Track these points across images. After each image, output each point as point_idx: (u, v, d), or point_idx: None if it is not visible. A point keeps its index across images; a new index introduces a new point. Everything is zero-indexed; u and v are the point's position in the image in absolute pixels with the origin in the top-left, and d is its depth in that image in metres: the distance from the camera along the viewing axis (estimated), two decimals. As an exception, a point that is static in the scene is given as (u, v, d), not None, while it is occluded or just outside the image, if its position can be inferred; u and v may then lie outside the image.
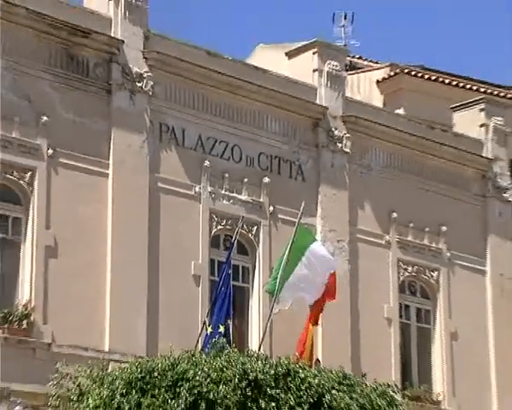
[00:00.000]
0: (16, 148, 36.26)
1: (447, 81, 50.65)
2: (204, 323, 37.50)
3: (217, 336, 35.04)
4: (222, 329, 36.58)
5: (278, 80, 43.12)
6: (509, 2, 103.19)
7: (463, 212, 47.19)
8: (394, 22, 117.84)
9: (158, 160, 39.71)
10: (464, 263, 46.97)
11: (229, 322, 37.81)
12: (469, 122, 47.96)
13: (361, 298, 44.11)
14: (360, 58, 50.77)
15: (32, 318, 35.72)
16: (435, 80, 50.26)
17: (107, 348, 36.84)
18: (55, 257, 36.57)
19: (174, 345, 32.80)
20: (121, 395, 27.53)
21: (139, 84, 39.03)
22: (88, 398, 28.53)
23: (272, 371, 27.57)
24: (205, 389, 26.88)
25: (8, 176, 36.03)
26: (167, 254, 39.44)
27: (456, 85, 50.85)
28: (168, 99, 40.42)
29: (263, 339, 38.67)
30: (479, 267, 47.47)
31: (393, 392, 29.45)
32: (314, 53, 44.20)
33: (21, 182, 36.43)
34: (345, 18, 55.49)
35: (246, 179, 41.54)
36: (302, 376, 27.76)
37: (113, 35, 38.92)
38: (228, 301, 37.93)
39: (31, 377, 34.53)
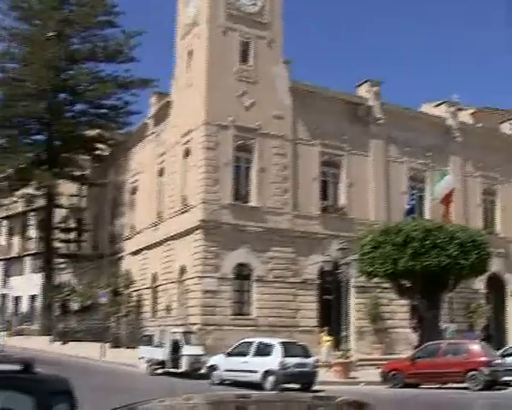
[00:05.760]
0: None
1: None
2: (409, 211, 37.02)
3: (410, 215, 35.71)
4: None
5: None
6: None
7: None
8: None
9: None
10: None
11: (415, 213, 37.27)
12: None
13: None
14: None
15: (343, 210, 38.71)
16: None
17: (373, 218, 37.64)
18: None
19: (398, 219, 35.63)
20: (378, 237, 29.06)
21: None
22: (367, 237, 30.35)
23: (433, 226, 28.92)
24: (410, 233, 28.05)
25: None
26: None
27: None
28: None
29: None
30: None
31: None
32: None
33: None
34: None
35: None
36: (445, 227, 29.25)
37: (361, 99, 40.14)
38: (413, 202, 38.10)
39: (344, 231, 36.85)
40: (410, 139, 40.71)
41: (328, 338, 31.27)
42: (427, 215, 39.74)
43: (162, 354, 27.57)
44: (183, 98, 38.27)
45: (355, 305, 36.86)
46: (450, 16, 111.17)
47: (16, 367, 4.45)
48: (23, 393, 4.42)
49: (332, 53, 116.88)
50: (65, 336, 43.42)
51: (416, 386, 24.82)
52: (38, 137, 53.16)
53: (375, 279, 32.49)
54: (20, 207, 59.50)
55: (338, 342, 30.85)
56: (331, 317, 33.67)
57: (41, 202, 53.36)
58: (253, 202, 35.93)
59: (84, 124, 51.27)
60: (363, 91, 40.75)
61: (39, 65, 46.81)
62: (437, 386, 24.65)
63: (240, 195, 35.83)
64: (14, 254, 65.96)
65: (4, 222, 69.06)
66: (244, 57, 36.51)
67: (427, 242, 28.15)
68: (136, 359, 29.63)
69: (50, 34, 48.74)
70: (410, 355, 26.81)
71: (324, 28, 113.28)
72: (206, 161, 35.01)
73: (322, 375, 25.37)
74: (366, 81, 40.72)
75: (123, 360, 31.89)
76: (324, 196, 38.47)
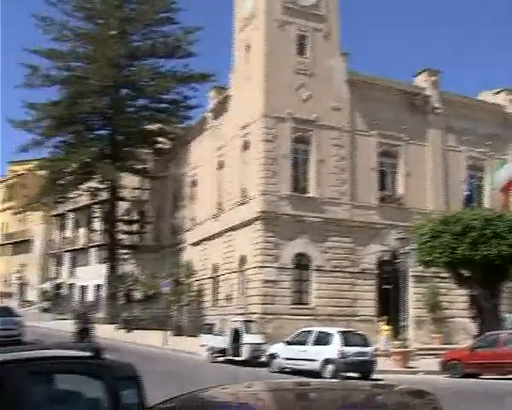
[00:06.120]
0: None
1: None
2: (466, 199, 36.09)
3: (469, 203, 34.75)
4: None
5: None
6: None
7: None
8: None
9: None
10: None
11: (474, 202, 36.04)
12: None
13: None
14: None
15: (401, 200, 38.23)
16: None
17: (431, 208, 37.53)
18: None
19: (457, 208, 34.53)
20: (436, 226, 28.54)
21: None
22: (425, 226, 29.76)
23: (492, 215, 28.31)
24: (469, 222, 27.32)
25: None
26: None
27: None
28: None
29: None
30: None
31: None
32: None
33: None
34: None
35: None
36: (506, 216, 28.44)
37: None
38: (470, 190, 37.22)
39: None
40: (469, 128, 40.18)
41: (387, 327, 31.07)
42: (486, 204, 39.12)
43: (223, 342, 27.82)
44: (241, 92, 38.56)
45: (413, 294, 36.47)
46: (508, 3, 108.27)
47: (86, 353, 4.64)
48: (92, 377, 4.61)
49: (389, 43, 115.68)
50: (129, 324, 44.30)
51: (475, 376, 24.34)
52: (102, 132, 54.34)
53: (434, 269, 32.09)
54: (85, 200, 60.91)
55: (396, 332, 30.78)
56: (389, 306, 33.55)
57: (105, 195, 54.54)
58: (311, 193, 36.04)
59: (145, 118, 52.10)
60: (421, 81, 40.39)
61: (102, 63, 47.82)
62: (497, 377, 24.04)
63: (298, 186, 35.96)
64: (80, 245, 67.77)
65: (71, 215, 70.98)
66: (301, 50, 36.59)
67: (487, 231, 27.60)
68: (198, 346, 29.93)
69: (113, 33, 49.77)
70: (470, 345, 26.33)
71: (381, 19, 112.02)
72: (265, 153, 35.24)
73: (381, 364, 25.25)
74: (424, 70, 40.42)
75: (185, 348, 32.26)
76: (382, 186, 38.33)
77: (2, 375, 4.13)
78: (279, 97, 35.40)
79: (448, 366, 25.29)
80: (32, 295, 76.45)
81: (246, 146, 37.70)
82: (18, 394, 4.15)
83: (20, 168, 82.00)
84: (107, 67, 47.84)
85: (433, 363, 26.82)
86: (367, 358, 23.51)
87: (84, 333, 28.80)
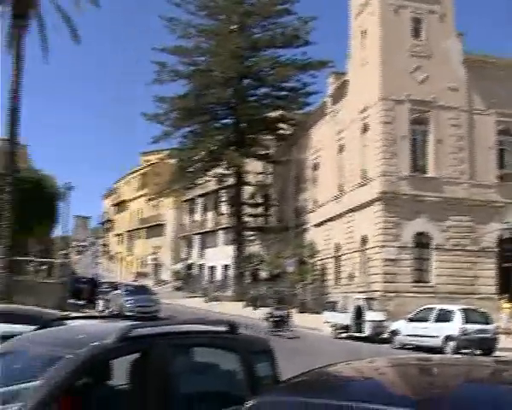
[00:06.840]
0: None
1: None
2: None
3: None
4: None
5: None
6: None
7: None
8: None
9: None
10: None
11: None
12: None
13: None
14: None
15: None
16: None
17: None
18: None
19: None
20: None
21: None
22: None
23: None
24: None
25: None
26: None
27: None
28: None
29: None
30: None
31: None
32: None
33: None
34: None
35: None
36: None
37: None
38: None
39: None
40: None
41: (508, 305, 30.47)
42: None
43: (346, 319, 28.31)
44: (358, 76, 38.70)
45: (536, 272, 35.43)
46: None
47: (222, 328, 5.01)
48: (229, 351, 4.96)
49: (506, 20, 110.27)
50: (256, 302, 45.75)
51: None
52: (227, 121, 55.83)
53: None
54: (212, 185, 62.81)
55: (518, 310, 29.94)
56: (510, 284, 32.98)
57: (231, 181, 55.99)
58: (430, 173, 35.81)
59: (266, 106, 53.08)
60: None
61: (225, 56, 49.29)
62: None
63: (417, 166, 35.81)
64: (208, 228, 70.17)
65: (199, 200, 73.60)
66: (416, 33, 36.30)
67: None
68: (321, 323, 30.52)
69: (234, 27, 51.29)
70: None
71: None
72: (384, 135, 35.37)
73: (503, 341, 24.87)
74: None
75: (309, 325, 32.55)
76: (501, 164, 37.28)
77: (147, 347, 4.46)
78: (396, 80, 35.32)
79: None
80: (165, 274, 79.95)
81: (365, 129, 37.91)
82: (161, 364, 4.44)
83: (152, 158, 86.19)
84: (229, 59, 49.20)
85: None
86: (488, 335, 23.32)
87: (280, 320, 28.06)
